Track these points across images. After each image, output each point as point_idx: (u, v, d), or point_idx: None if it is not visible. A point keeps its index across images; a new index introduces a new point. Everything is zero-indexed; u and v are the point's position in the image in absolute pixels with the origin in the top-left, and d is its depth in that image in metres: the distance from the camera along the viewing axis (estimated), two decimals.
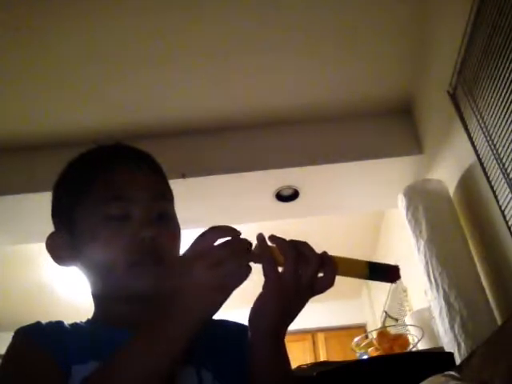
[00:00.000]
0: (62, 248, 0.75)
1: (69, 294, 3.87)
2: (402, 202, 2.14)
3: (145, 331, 0.57)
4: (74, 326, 0.72)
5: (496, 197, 1.68)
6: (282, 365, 0.67)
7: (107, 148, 0.80)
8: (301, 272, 0.61)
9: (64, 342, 0.67)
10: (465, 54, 1.78)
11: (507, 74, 1.51)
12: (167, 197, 0.79)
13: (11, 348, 0.66)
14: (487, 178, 1.73)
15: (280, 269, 0.62)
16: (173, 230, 0.76)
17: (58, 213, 0.79)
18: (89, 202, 0.73)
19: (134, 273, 0.69)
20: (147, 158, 0.81)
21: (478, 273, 1.88)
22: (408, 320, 2.35)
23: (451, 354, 1.69)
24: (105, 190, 0.73)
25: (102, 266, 0.72)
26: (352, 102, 2.45)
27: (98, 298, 0.76)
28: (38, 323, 0.70)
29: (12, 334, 0.68)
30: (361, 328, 4.45)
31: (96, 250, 0.72)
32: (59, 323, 0.72)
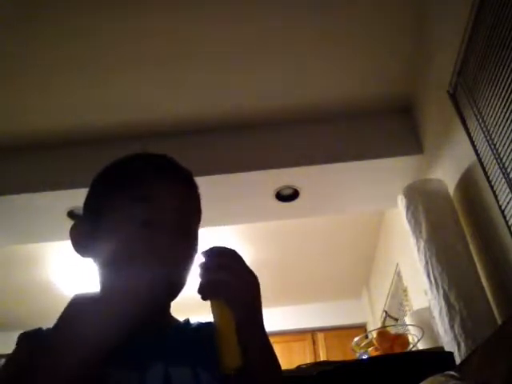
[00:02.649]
0: (82, 235, 0.77)
1: (71, 293, 3.87)
2: (402, 201, 2.14)
3: None
4: None
5: (496, 197, 1.68)
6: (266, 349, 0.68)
7: (150, 155, 0.82)
8: None
9: None
10: (465, 54, 1.78)
11: (507, 74, 1.51)
12: (194, 215, 0.80)
13: (11, 353, 0.67)
14: (487, 177, 1.73)
15: None
16: (189, 248, 0.76)
17: (89, 204, 0.81)
18: (118, 199, 0.75)
19: (133, 266, 0.69)
20: (186, 173, 0.82)
21: (478, 273, 1.87)
22: (408, 320, 2.35)
23: (451, 354, 1.69)
24: (136, 190, 0.75)
25: (108, 259, 0.73)
26: (352, 101, 2.45)
27: None
28: (39, 329, 0.71)
29: (12, 333, 0.69)
30: (361, 328, 4.44)
31: (108, 245, 0.73)
32: None
